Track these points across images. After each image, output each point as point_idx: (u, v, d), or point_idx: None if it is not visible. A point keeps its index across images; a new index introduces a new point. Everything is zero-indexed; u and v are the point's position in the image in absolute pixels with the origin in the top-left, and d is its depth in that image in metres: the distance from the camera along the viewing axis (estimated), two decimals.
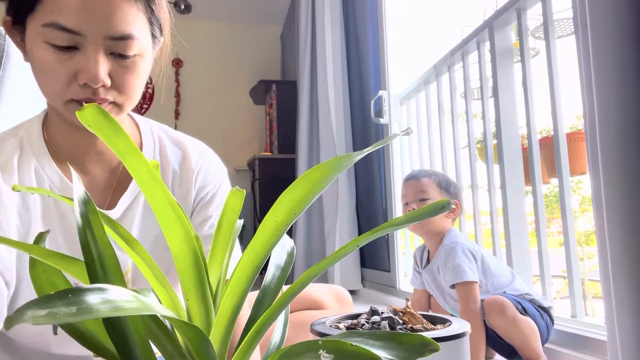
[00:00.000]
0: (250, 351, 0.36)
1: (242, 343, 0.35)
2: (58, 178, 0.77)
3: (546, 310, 1.25)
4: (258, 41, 4.68)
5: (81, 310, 0.21)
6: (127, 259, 0.80)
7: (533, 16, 1.70)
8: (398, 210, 2.40)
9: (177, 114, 4.39)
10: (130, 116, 0.87)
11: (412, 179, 1.47)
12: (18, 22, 0.71)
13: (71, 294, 0.22)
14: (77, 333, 0.33)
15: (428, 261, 1.45)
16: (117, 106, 0.73)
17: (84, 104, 0.68)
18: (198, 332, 0.30)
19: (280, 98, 3.86)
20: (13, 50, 1.06)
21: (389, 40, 2.51)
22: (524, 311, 1.20)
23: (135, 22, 0.69)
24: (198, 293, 0.34)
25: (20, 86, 1.09)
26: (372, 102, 2.48)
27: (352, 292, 2.61)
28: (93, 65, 0.67)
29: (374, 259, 2.70)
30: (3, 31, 1.06)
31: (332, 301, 1.10)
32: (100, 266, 0.30)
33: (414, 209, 1.42)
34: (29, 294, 0.73)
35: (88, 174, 0.81)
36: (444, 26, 2.50)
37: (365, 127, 2.79)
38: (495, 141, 1.73)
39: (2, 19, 0.74)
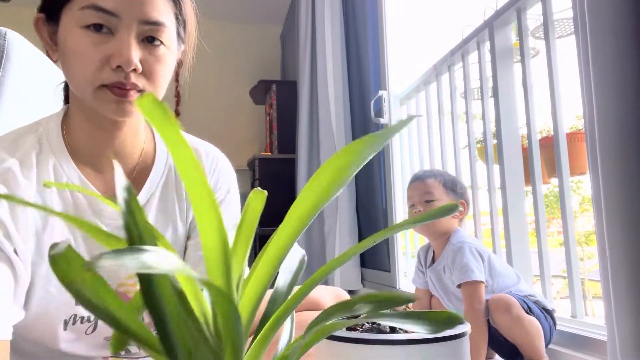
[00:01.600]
0: (264, 346, 0.36)
1: (257, 338, 0.36)
2: (76, 176, 0.78)
3: (549, 313, 1.25)
4: (258, 41, 4.68)
5: (144, 266, 0.24)
6: None
7: (533, 16, 1.70)
8: (398, 210, 2.40)
9: (177, 114, 4.39)
10: (148, 125, 0.89)
11: (417, 181, 1.47)
12: (51, 18, 0.74)
13: (134, 251, 0.25)
14: (95, 308, 0.34)
15: (433, 261, 1.45)
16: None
17: (115, 91, 0.71)
18: (230, 303, 0.31)
19: (280, 98, 3.86)
20: (13, 51, 1.06)
21: (389, 40, 2.50)
22: (529, 311, 1.20)
23: (165, 12, 0.74)
24: (224, 284, 0.35)
25: (20, 86, 1.09)
26: (372, 102, 2.48)
27: (352, 292, 2.61)
28: (126, 49, 0.69)
29: (374, 259, 2.70)
30: (3, 31, 1.06)
31: (332, 302, 1.10)
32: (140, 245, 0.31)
33: (420, 211, 1.42)
34: (41, 292, 0.74)
35: (104, 173, 0.82)
36: (444, 26, 2.50)
37: (365, 127, 2.79)
38: (495, 141, 1.73)
39: (34, 17, 0.76)
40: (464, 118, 1.93)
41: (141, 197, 0.82)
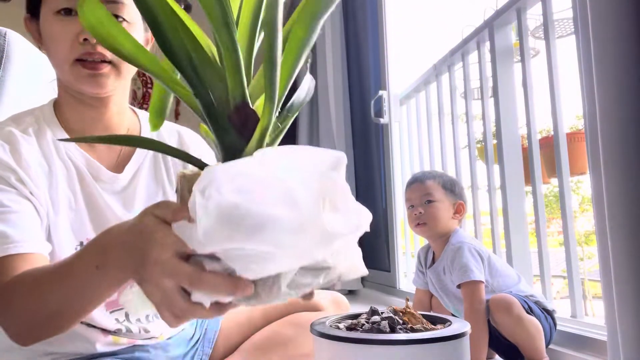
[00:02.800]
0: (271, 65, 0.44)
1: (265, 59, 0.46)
2: (75, 149, 0.85)
3: (550, 313, 1.24)
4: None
5: None
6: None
7: (533, 16, 1.70)
8: (398, 210, 2.40)
9: (177, 114, 4.39)
10: (133, 110, 0.97)
11: (416, 182, 1.47)
12: (34, 15, 0.84)
13: None
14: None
15: (433, 261, 1.44)
16: (115, 68, 0.83)
17: (86, 65, 0.79)
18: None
19: None
20: (13, 51, 1.07)
21: (389, 40, 2.50)
22: (530, 311, 1.20)
23: None
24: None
25: (20, 86, 1.09)
26: (372, 102, 2.48)
27: (352, 292, 2.61)
28: None
29: (374, 259, 2.70)
30: (3, 31, 1.07)
31: (329, 304, 1.10)
32: None
33: (420, 212, 1.42)
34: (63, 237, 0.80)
35: (96, 147, 0.89)
36: (444, 26, 2.50)
37: (365, 127, 2.79)
38: (495, 141, 1.73)
39: (23, 18, 0.86)
40: (464, 118, 1.92)
41: (130, 166, 0.89)
